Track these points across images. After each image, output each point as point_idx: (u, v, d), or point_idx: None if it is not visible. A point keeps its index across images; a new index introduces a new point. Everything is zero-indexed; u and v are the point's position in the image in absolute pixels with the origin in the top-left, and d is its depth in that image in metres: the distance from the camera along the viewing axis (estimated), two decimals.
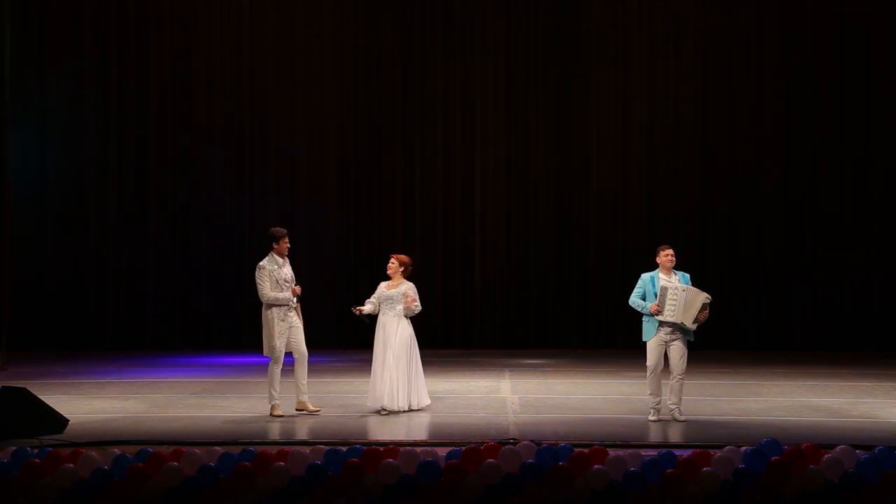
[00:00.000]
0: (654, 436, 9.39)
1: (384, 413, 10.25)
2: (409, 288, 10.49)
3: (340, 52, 18.21)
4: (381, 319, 10.47)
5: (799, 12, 17.86)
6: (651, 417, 9.94)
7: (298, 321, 10.38)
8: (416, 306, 10.52)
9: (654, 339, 9.91)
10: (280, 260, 10.40)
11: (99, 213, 17.91)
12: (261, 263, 10.40)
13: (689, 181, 17.97)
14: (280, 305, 10.23)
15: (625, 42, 18.09)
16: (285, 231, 10.54)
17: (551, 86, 18.12)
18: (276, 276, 10.29)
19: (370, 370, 10.55)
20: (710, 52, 17.99)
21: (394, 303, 10.43)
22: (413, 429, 9.60)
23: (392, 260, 10.63)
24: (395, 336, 10.39)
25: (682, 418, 9.87)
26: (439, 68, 18.16)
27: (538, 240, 18.11)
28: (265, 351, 10.29)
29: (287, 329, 10.28)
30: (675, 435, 9.37)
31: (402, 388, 10.35)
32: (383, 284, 10.57)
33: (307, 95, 18.18)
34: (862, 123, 17.75)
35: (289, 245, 10.50)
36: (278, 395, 10.33)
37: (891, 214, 17.65)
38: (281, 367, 10.33)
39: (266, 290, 10.28)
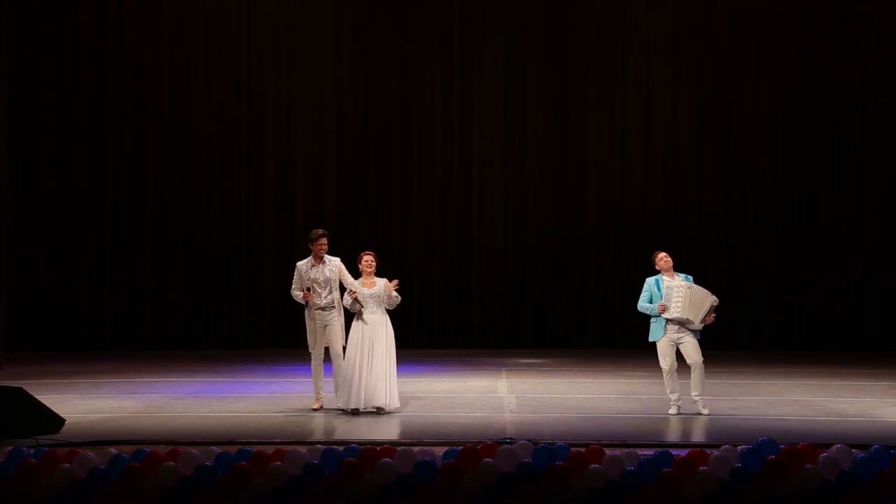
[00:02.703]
0: (652, 435, 9.40)
1: (383, 412, 10.25)
2: (385, 283, 10.42)
3: (338, 51, 18.21)
4: (366, 318, 10.28)
5: (798, 14, 17.89)
6: (671, 411, 10.22)
7: (338, 322, 10.53)
8: (398, 297, 10.47)
9: (663, 340, 10.18)
10: (312, 261, 10.56)
11: (95, 211, 17.89)
12: (298, 262, 10.70)
13: (686, 181, 18.00)
14: (307, 306, 10.52)
15: (623, 43, 18.11)
16: (320, 233, 10.65)
17: (550, 86, 18.14)
18: (305, 275, 10.53)
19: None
20: (708, 52, 18.01)
21: (380, 301, 10.34)
22: (410, 428, 9.59)
23: (369, 257, 10.43)
24: (384, 335, 10.32)
25: (706, 412, 10.11)
26: (437, 69, 18.15)
27: (536, 239, 18.12)
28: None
29: (320, 329, 10.53)
30: (672, 434, 9.38)
31: (395, 387, 10.36)
32: (357, 282, 10.39)
33: (305, 92, 18.17)
34: (859, 125, 17.78)
35: (325, 247, 10.58)
36: (321, 390, 10.57)
37: (887, 214, 17.68)
38: (320, 363, 10.59)
39: (292, 287, 10.63)
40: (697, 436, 9.05)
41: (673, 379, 10.19)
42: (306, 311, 10.64)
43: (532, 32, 18.15)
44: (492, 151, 18.17)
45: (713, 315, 10.15)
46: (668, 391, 10.29)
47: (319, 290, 10.49)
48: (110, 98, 17.97)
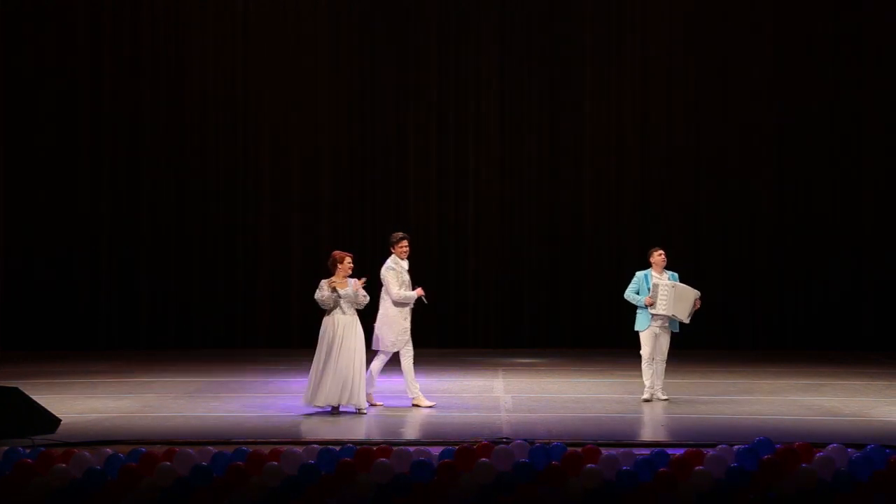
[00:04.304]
0: (647, 435, 9.42)
1: (364, 412, 10.24)
2: (355, 283, 10.40)
3: (335, 51, 18.20)
4: (336, 318, 10.24)
5: (793, 12, 17.92)
6: (645, 396, 11.00)
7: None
8: (366, 297, 10.50)
9: (648, 331, 10.98)
10: (403, 262, 10.78)
11: (91, 211, 17.86)
12: (389, 264, 10.77)
13: (682, 181, 18.01)
14: (404, 305, 10.71)
15: (619, 40, 18.11)
16: (400, 235, 10.86)
17: (545, 85, 18.14)
18: (402, 277, 10.70)
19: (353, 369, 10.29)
20: (704, 49, 18.02)
21: (351, 301, 10.32)
22: (406, 428, 9.60)
23: (350, 260, 10.41)
24: (355, 334, 10.29)
25: (665, 397, 11.03)
26: (433, 71, 18.15)
27: (532, 239, 18.13)
28: (381, 345, 10.74)
29: (406, 328, 10.75)
30: (668, 434, 9.40)
31: (362, 386, 10.33)
32: (329, 283, 10.31)
33: (301, 94, 18.15)
34: (853, 124, 17.80)
35: (406, 248, 10.78)
36: (375, 386, 10.81)
37: (882, 214, 17.70)
38: (384, 362, 10.83)
39: (396, 288, 10.67)
40: (694, 435, 9.05)
41: (650, 367, 10.99)
42: (399, 312, 10.70)
43: (527, 27, 18.14)
44: (487, 151, 18.17)
45: (699, 302, 10.88)
46: (644, 378, 11.05)
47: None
48: (106, 97, 17.93)
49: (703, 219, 17.99)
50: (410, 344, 10.90)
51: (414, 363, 10.93)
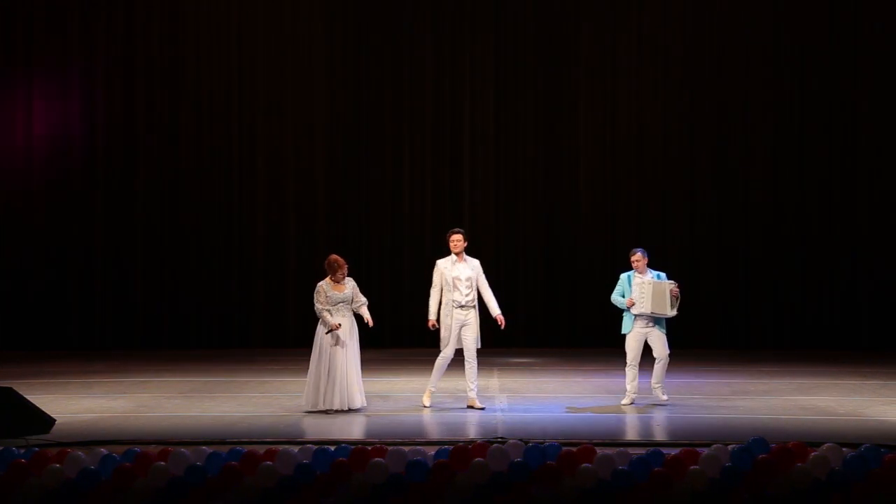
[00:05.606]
0: (642, 434, 9.42)
1: (360, 412, 10.27)
2: (353, 284, 10.48)
3: (330, 51, 18.19)
4: (336, 321, 10.28)
5: (789, 13, 17.94)
6: (624, 402, 10.78)
7: (474, 319, 10.66)
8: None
9: (632, 333, 10.84)
10: (454, 258, 10.64)
11: (86, 209, 17.84)
12: (438, 261, 10.74)
13: (677, 181, 18.01)
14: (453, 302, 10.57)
15: (614, 39, 18.11)
16: (452, 230, 10.79)
17: (540, 84, 18.14)
18: (446, 275, 10.60)
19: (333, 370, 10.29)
20: (700, 49, 18.03)
21: (349, 303, 10.39)
22: (401, 428, 9.59)
23: (342, 272, 10.44)
24: (353, 338, 10.39)
25: (665, 397, 10.78)
26: (428, 70, 18.14)
27: (527, 238, 18.12)
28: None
29: (457, 327, 10.56)
30: (663, 433, 9.40)
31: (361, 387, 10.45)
32: (328, 285, 10.36)
33: (296, 91, 18.14)
34: (850, 124, 17.82)
35: (457, 244, 10.65)
36: (434, 385, 10.74)
37: (877, 214, 17.72)
38: (448, 360, 10.67)
39: (433, 286, 10.66)
40: (688, 435, 9.06)
41: (633, 370, 10.77)
42: (443, 309, 10.60)
43: (523, 27, 18.14)
44: (483, 151, 18.17)
45: (676, 290, 10.64)
46: (626, 381, 10.84)
47: (462, 288, 10.56)
48: (100, 96, 17.90)
49: (698, 219, 17.99)
50: (465, 345, 10.64)
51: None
